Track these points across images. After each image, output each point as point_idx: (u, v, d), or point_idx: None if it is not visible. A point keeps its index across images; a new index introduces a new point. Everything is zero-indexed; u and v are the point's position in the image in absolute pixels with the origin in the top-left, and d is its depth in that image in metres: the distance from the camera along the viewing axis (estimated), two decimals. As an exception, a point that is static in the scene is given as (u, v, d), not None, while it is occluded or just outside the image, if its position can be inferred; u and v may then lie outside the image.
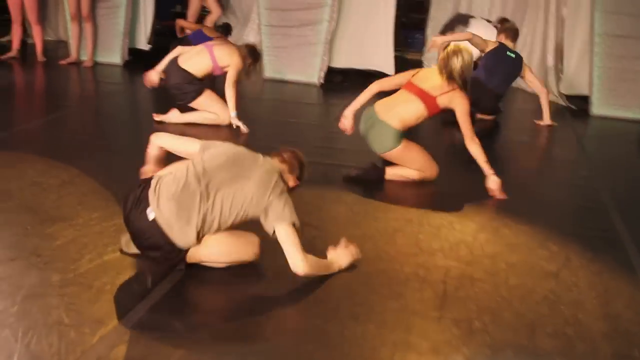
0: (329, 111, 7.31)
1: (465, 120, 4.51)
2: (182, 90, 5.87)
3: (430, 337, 2.79)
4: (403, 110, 4.60)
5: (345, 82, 8.39)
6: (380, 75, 8.01)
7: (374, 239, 3.76)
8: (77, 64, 8.54)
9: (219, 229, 3.10)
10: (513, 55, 6.66)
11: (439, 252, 3.63)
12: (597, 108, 7.43)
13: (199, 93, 5.87)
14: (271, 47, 8.23)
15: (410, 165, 4.71)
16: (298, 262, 3.02)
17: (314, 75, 8.13)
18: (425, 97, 4.58)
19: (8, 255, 3.23)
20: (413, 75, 4.76)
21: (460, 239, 3.83)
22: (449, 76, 4.51)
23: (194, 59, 5.92)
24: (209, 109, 5.93)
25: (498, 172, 4.57)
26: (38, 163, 4.64)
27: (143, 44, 9.00)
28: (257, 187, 3.08)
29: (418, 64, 8.81)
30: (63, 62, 8.51)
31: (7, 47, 8.83)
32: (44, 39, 8.82)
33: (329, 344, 2.69)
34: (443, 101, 4.58)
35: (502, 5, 8.89)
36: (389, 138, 4.60)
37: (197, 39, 7.39)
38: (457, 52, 4.52)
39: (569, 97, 7.84)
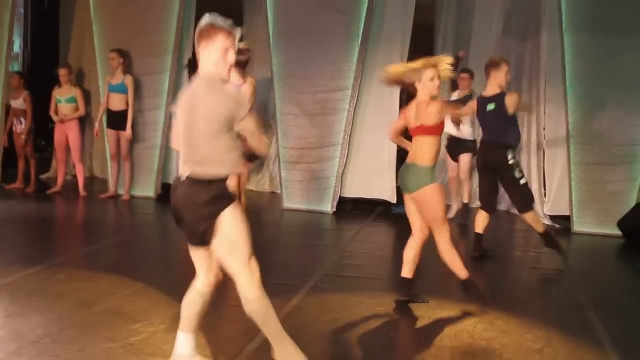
0: (341, 235, 8.29)
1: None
2: None
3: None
4: (420, 150, 5.03)
5: (355, 210, 9.41)
6: (385, 203, 9.22)
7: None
8: (115, 197, 9.61)
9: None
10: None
11: (446, 337, 4.54)
12: (577, 226, 8.44)
13: None
14: (289, 180, 9.31)
15: (431, 212, 4.97)
16: None
17: (328, 204, 9.19)
18: (426, 129, 5.01)
19: (107, 344, 4.14)
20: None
21: (462, 328, 4.74)
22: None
23: None
24: None
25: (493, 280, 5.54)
26: (107, 277, 5.61)
27: (174, 179, 10.08)
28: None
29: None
30: (103, 195, 9.58)
31: (45, 183, 10.02)
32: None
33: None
34: (434, 118, 4.99)
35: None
36: (423, 175, 4.97)
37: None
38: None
39: (553, 217, 8.89)
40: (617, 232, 8.19)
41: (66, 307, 4.82)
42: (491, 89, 6.65)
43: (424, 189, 4.94)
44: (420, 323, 4.87)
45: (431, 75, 4.98)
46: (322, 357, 4.11)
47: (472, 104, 6.91)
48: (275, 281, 5.22)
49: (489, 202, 6.83)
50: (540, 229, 6.76)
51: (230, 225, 3.42)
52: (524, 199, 6.61)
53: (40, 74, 11.08)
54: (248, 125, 3.45)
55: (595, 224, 8.38)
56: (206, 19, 3.48)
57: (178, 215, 3.52)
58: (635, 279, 6.84)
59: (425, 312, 5.05)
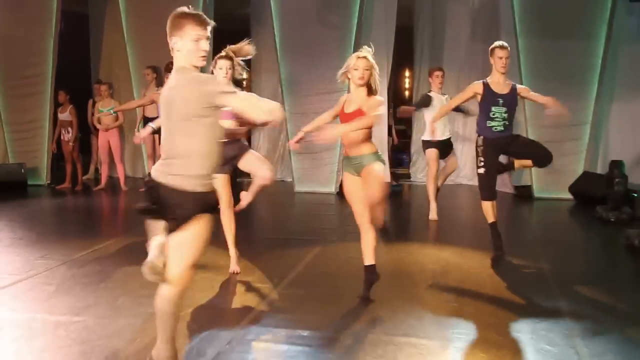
0: (344, 208, 10.11)
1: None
2: None
3: None
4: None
5: None
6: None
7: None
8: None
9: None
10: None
11: (429, 273, 6.38)
12: (537, 192, 10.39)
13: None
14: (299, 168, 11.24)
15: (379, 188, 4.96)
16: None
17: (332, 186, 11.07)
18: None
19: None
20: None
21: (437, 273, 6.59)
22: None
23: None
24: None
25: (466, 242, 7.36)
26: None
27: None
28: None
29: (406, 177, 12.10)
30: (142, 189, 11.36)
31: (85, 183, 11.94)
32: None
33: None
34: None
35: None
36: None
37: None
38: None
39: (517, 187, 10.81)
40: (569, 196, 10.10)
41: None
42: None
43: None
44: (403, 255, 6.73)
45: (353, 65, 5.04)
46: (344, 282, 5.94)
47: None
48: (299, 237, 7.60)
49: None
50: (490, 219, 6.50)
51: (197, 229, 3.42)
52: (480, 187, 6.53)
53: (74, 90, 12.79)
54: (236, 100, 3.31)
55: (551, 190, 10.30)
56: (176, 11, 3.42)
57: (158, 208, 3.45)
58: (584, 233, 8.69)
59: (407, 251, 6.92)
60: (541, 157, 6.54)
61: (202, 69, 3.51)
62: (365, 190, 4.98)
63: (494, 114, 6.30)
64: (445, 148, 8.64)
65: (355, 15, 10.75)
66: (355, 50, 11.02)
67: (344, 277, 5.97)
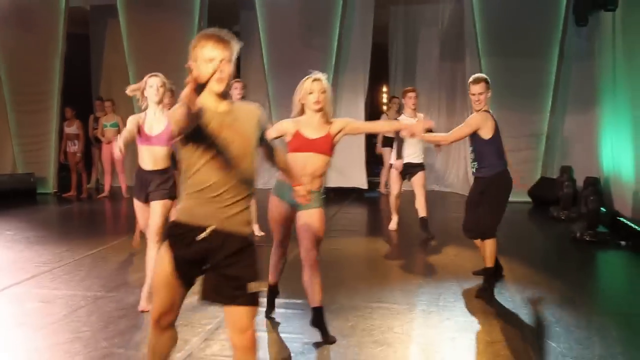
0: (329, 211, 11.25)
1: None
2: None
3: None
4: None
5: (332, 195, 11.96)
6: (358, 190, 12.24)
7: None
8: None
9: None
10: None
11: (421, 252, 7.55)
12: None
13: None
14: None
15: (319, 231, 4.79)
16: None
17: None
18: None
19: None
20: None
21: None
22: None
23: None
24: None
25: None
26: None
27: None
28: None
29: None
30: (142, 197, 12.47)
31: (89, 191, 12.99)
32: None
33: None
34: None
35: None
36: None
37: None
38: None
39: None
40: (527, 199, 11.32)
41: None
42: None
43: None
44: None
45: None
46: (331, 268, 7.05)
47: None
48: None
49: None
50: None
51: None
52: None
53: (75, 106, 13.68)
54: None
55: (512, 194, 11.45)
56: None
57: None
58: (537, 229, 9.93)
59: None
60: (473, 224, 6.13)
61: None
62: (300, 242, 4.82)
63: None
64: (410, 169, 8.75)
65: (335, 38, 11.96)
66: (335, 71, 12.36)
67: (330, 264, 7.06)
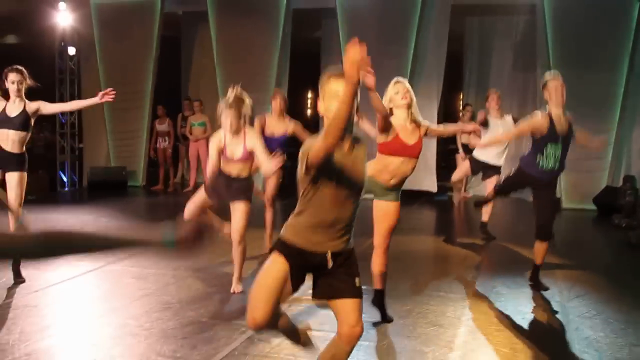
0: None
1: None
2: None
3: None
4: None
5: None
6: (427, 193, 12.75)
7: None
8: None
9: None
10: None
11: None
12: (566, 203, 11.87)
13: None
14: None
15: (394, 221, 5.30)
16: None
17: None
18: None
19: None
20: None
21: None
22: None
23: None
24: None
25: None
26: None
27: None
28: None
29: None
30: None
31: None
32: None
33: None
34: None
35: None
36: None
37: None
38: None
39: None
40: (592, 207, 11.63)
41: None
42: None
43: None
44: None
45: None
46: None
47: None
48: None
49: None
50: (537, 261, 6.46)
51: None
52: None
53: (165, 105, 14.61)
54: None
55: (577, 202, 11.84)
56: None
57: None
58: (599, 236, 10.28)
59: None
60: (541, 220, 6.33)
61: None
62: None
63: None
64: (486, 170, 8.83)
65: (412, 46, 12.49)
66: (410, 77, 12.74)
67: (396, 256, 7.64)
